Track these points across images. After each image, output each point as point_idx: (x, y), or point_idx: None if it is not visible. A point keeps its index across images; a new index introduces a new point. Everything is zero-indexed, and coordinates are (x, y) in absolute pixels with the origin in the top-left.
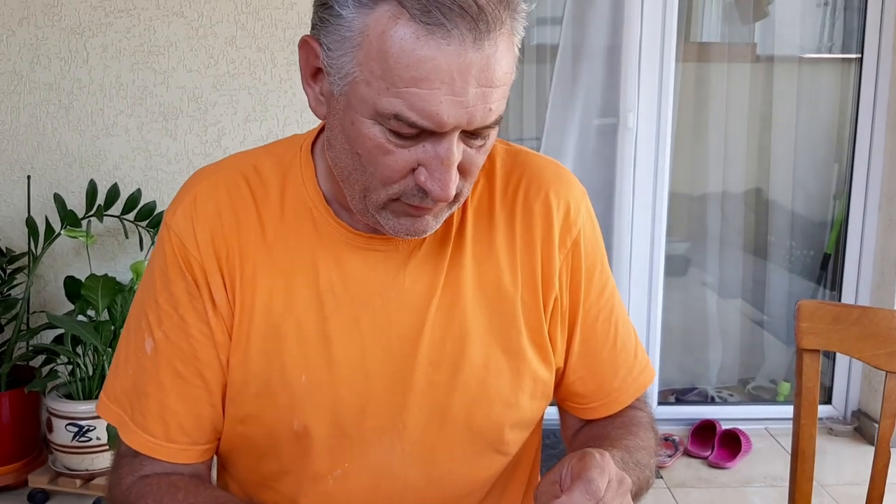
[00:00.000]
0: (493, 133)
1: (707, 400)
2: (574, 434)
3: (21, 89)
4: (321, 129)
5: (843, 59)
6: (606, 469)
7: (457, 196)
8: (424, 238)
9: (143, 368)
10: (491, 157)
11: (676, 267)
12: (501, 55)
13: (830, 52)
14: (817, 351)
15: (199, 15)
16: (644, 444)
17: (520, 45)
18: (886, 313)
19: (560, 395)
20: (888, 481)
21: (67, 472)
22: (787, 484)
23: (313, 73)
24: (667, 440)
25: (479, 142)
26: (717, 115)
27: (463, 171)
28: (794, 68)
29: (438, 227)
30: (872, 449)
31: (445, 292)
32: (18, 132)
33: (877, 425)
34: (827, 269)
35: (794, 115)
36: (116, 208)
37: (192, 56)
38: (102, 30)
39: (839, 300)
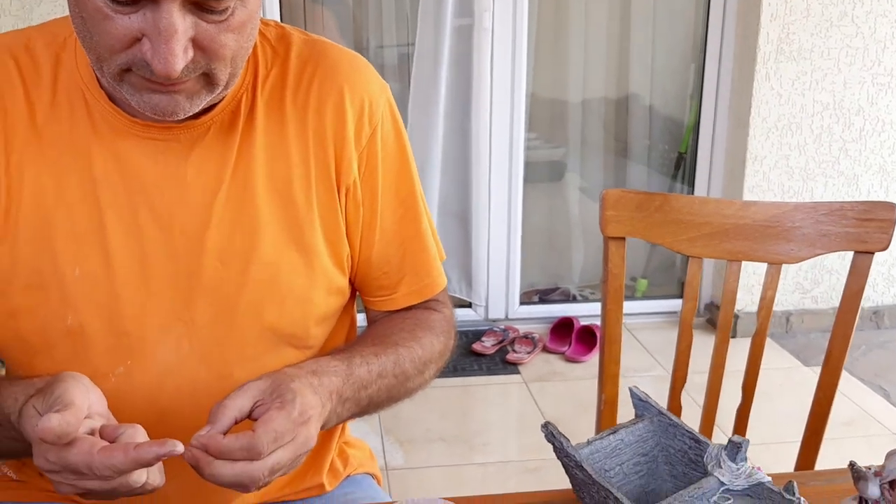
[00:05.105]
0: (240, 11)
1: (569, 298)
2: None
3: None
4: None
5: None
6: (273, 428)
7: (212, 79)
8: (209, 128)
9: None
10: (286, 47)
11: (547, 172)
12: None
13: None
14: (622, 238)
15: None
16: (420, 352)
17: None
18: (686, 200)
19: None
20: (727, 369)
21: None
22: (637, 375)
23: None
24: (526, 338)
25: (216, 17)
26: (577, 17)
27: (204, 48)
28: None
29: (196, 110)
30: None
31: (234, 185)
32: None
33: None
34: (683, 167)
35: (652, 15)
36: None
37: None
38: None
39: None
